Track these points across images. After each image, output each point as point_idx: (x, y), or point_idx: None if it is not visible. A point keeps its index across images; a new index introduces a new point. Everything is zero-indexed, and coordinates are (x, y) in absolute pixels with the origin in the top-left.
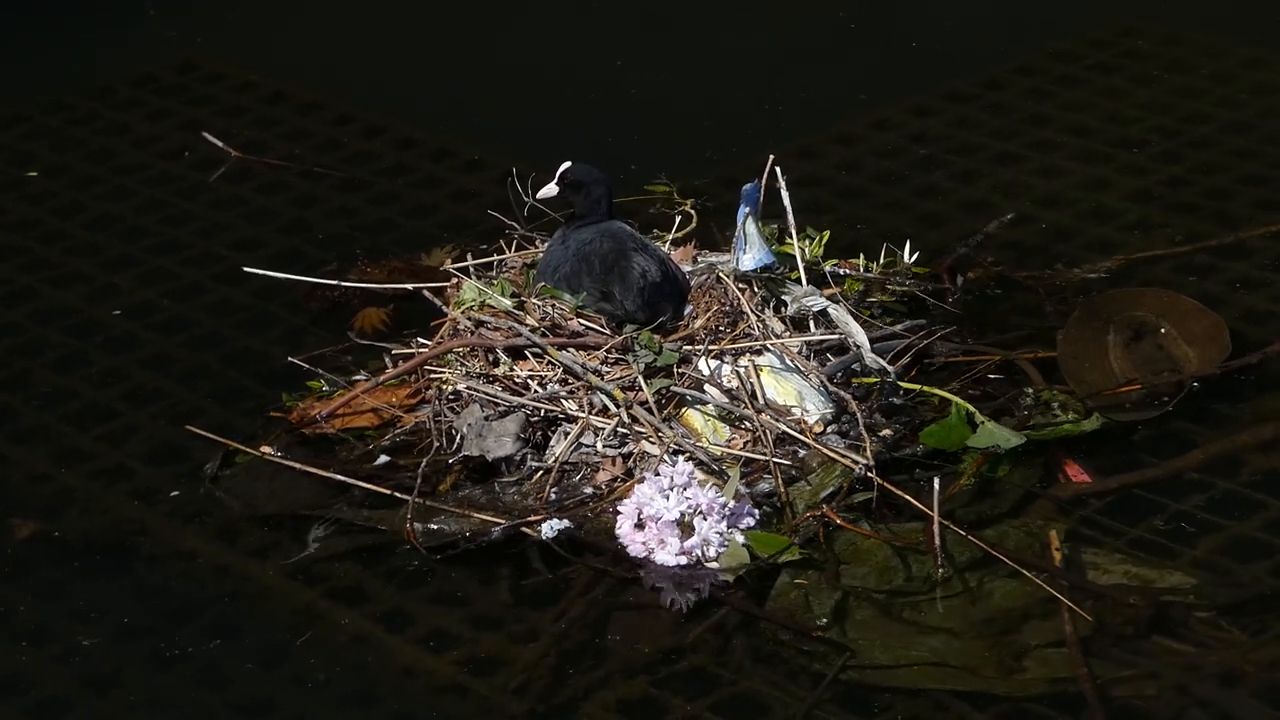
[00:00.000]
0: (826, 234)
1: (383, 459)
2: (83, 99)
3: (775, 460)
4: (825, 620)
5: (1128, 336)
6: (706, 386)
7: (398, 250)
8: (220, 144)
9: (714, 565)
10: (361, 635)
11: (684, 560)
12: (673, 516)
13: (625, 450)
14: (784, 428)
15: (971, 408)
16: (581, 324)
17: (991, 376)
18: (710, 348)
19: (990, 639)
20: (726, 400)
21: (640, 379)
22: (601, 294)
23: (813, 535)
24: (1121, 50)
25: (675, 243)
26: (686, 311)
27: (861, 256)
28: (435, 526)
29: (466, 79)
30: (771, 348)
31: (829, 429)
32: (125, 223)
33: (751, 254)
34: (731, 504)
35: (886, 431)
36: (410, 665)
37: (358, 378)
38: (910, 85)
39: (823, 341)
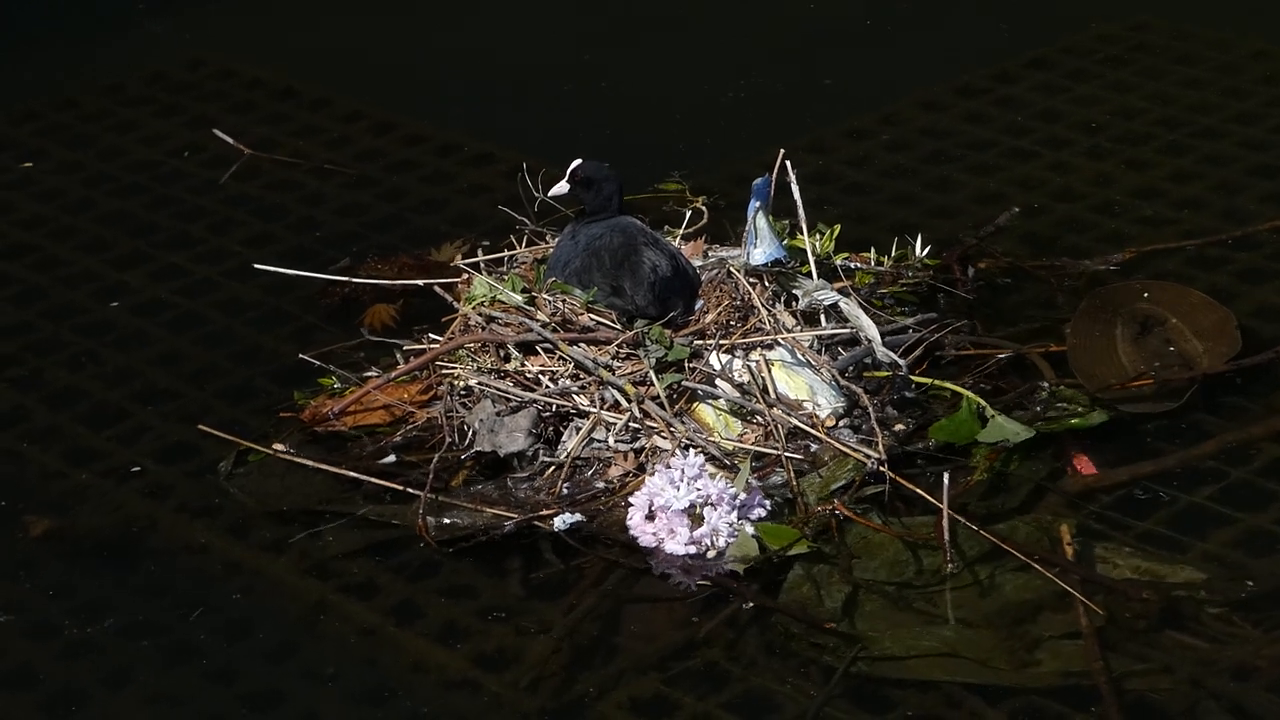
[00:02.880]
0: (837, 228)
1: (391, 458)
2: (92, 96)
3: (787, 455)
4: (836, 611)
5: (1135, 330)
6: (718, 381)
7: (407, 246)
8: (231, 141)
9: (722, 556)
10: (372, 629)
11: (693, 549)
12: (682, 505)
13: (637, 445)
14: (795, 422)
15: (982, 401)
16: (592, 319)
17: (1002, 356)
18: (721, 342)
19: (1002, 630)
20: (738, 395)
21: (651, 374)
22: (612, 289)
23: (824, 528)
24: (1131, 44)
25: (686, 238)
26: (697, 306)
27: (872, 250)
28: (448, 521)
29: (473, 76)
30: (783, 342)
31: (841, 423)
32: (136, 220)
33: (762, 248)
34: (742, 495)
35: (899, 425)
36: (422, 659)
37: (369, 374)
38: (920, 79)
39: (834, 335)
